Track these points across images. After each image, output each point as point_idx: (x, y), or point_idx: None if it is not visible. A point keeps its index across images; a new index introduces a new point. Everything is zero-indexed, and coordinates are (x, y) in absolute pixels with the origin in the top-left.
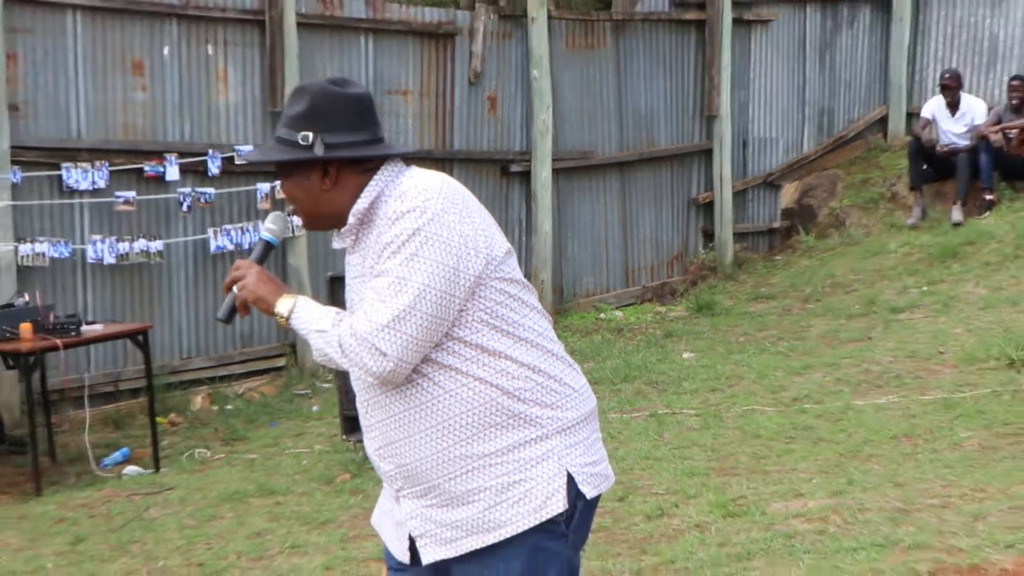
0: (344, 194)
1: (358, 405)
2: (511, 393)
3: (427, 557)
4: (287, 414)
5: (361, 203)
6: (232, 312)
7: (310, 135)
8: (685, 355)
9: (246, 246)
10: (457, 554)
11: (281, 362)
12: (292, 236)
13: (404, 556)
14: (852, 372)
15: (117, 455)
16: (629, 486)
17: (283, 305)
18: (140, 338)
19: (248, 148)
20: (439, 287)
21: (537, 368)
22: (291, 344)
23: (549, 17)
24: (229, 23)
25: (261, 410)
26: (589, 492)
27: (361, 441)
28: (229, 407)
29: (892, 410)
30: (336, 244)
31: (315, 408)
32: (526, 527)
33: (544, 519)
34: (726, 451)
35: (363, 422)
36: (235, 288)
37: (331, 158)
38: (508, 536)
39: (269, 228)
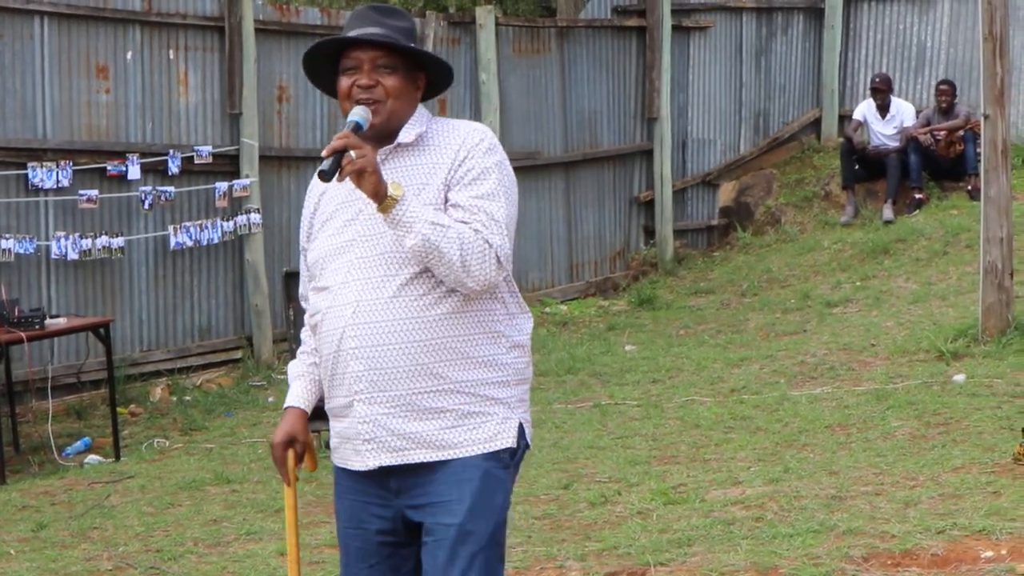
0: (412, 108)
1: (342, 301)
2: (506, 336)
3: (372, 462)
4: (243, 405)
5: (417, 128)
6: (335, 171)
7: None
8: (627, 348)
9: (204, 243)
10: (401, 463)
11: (238, 354)
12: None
13: (364, 463)
14: (788, 364)
15: (79, 444)
16: (573, 474)
17: (397, 188)
18: (102, 331)
19: (208, 148)
20: (515, 215)
21: (526, 321)
22: (248, 337)
23: (496, 24)
24: (190, 29)
25: (218, 401)
26: (530, 443)
27: (317, 431)
28: (187, 398)
29: (826, 400)
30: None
31: (271, 399)
32: (475, 453)
33: (492, 450)
34: (667, 440)
35: (347, 319)
36: (351, 153)
37: (442, 67)
38: (459, 457)
39: (358, 113)
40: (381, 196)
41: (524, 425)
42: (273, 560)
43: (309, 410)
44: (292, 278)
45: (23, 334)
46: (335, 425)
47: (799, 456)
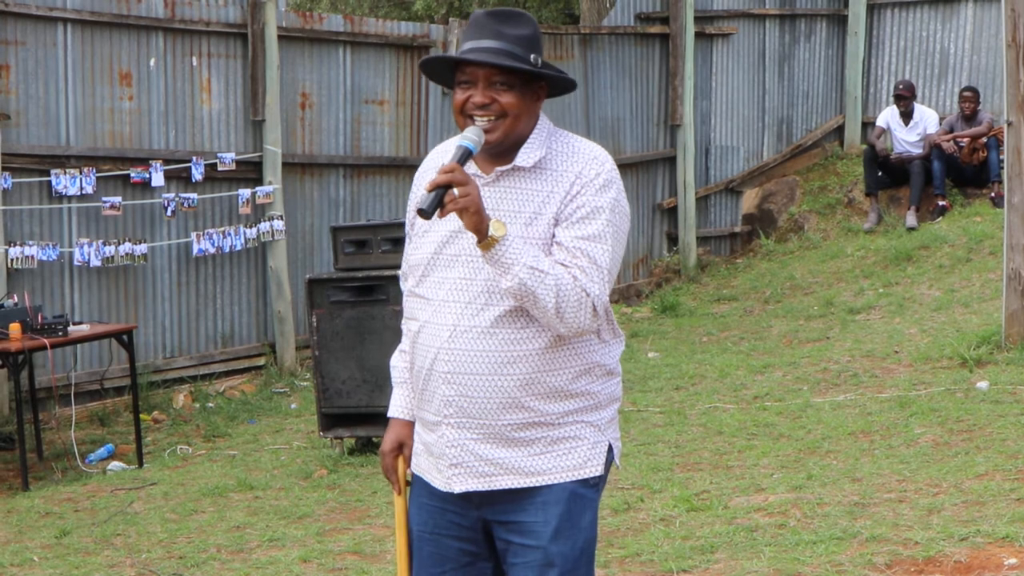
0: (532, 121)
1: (440, 321)
2: (600, 365)
3: (459, 486)
4: (266, 412)
5: (537, 150)
6: (436, 208)
7: (539, 59)
8: (650, 355)
9: (227, 249)
10: (489, 488)
11: (261, 361)
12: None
13: (446, 484)
14: (811, 371)
15: (102, 451)
16: None
17: (499, 228)
18: (125, 338)
19: (231, 155)
20: (620, 255)
21: (618, 346)
22: (271, 344)
23: None
24: (213, 36)
25: (241, 408)
26: (619, 463)
27: (340, 437)
28: (210, 405)
29: (850, 407)
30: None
31: (293, 406)
32: (564, 480)
33: (581, 478)
34: (690, 447)
35: (443, 341)
36: (454, 190)
37: (563, 80)
38: (547, 484)
39: (469, 138)
40: (482, 234)
41: (613, 445)
42: (296, 567)
43: (412, 418)
44: (315, 285)
45: (46, 341)
46: (422, 434)
47: (822, 463)
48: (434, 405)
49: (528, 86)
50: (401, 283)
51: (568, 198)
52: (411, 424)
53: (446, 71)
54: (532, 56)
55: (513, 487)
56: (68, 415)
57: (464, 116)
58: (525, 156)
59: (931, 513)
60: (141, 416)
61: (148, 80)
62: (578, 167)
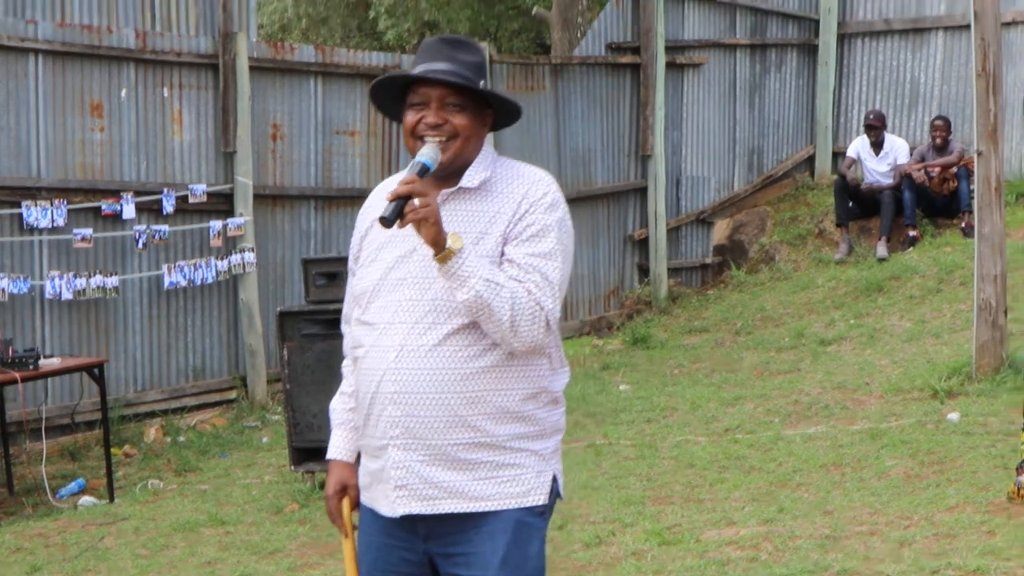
0: (479, 146)
1: (386, 343)
2: (547, 391)
3: (401, 508)
4: (238, 446)
5: (482, 172)
6: (397, 218)
7: (487, 85)
8: (622, 387)
9: (198, 282)
10: (432, 512)
11: (232, 395)
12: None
13: (391, 508)
14: (782, 403)
15: (73, 486)
16: (568, 515)
17: (456, 240)
18: (96, 371)
19: (202, 187)
20: (568, 273)
21: (565, 375)
22: (242, 377)
23: (491, 61)
24: (184, 67)
25: (213, 442)
26: (563, 495)
27: (311, 472)
28: (181, 439)
29: (821, 440)
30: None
31: (265, 440)
32: (508, 507)
33: (525, 506)
34: (661, 480)
35: (389, 362)
36: (414, 200)
37: (510, 106)
38: (491, 510)
39: (426, 154)
40: (440, 246)
41: (557, 476)
42: None
43: (353, 459)
44: (286, 318)
45: (17, 374)
46: (367, 464)
47: (793, 496)
48: (380, 428)
49: (478, 110)
50: (343, 326)
51: (516, 217)
52: (352, 465)
53: (394, 100)
54: (481, 82)
55: (457, 511)
56: (39, 449)
57: (415, 138)
58: (470, 177)
59: (902, 546)
60: (112, 450)
61: (119, 111)
62: (524, 188)
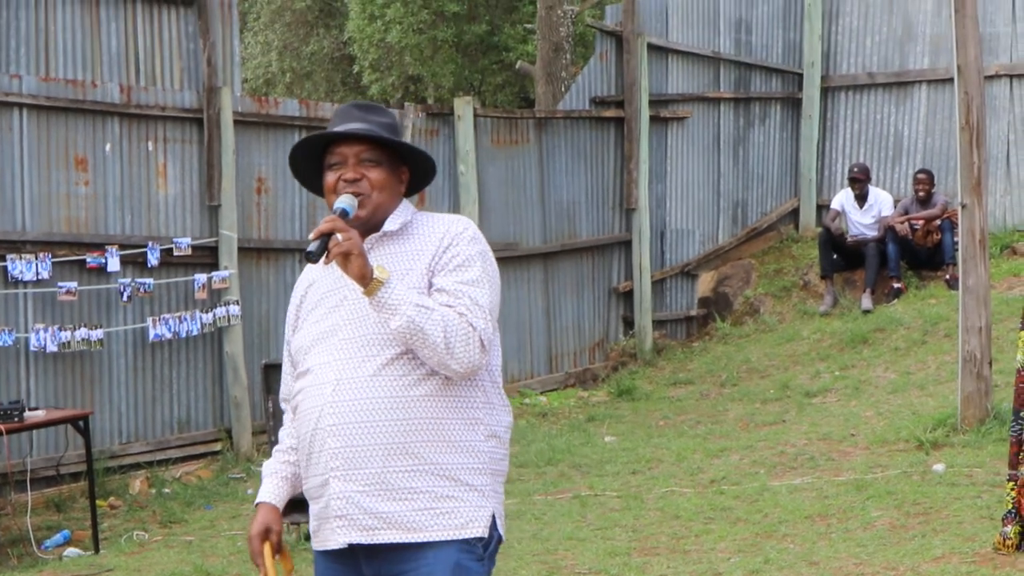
0: (396, 201)
1: (322, 380)
2: (484, 424)
3: (342, 538)
4: (223, 497)
5: (402, 217)
6: (322, 253)
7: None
8: (607, 438)
9: (183, 335)
10: (371, 542)
11: (217, 446)
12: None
13: (336, 541)
14: (768, 454)
15: (58, 537)
16: (554, 566)
17: (382, 272)
18: (81, 424)
19: (187, 240)
20: (497, 303)
21: (505, 415)
22: (227, 429)
23: (475, 115)
24: (169, 120)
25: (198, 493)
26: (503, 534)
27: (296, 523)
28: (167, 490)
29: (806, 491)
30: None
31: (250, 491)
32: (447, 538)
33: (464, 537)
34: (647, 531)
35: (327, 397)
36: (338, 236)
37: (425, 160)
38: (429, 541)
39: (344, 201)
40: (367, 279)
41: (497, 517)
42: None
43: (281, 505)
44: (271, 370)
45: (2, 427)
46: (312, 507)
47: (779, 547)
48: (322, 462)
49: (393, 167)
50: (282, 405)
51: (440, 250)
52: (277, 509)
53: (312, 168)
54: (395, 139)
55: (395, 541)
56: (24, 501)
57: (336, 195)
58: (392, 222)
59: None
60: (97, 502)
61: (104, 165)
62: (444, 227)
